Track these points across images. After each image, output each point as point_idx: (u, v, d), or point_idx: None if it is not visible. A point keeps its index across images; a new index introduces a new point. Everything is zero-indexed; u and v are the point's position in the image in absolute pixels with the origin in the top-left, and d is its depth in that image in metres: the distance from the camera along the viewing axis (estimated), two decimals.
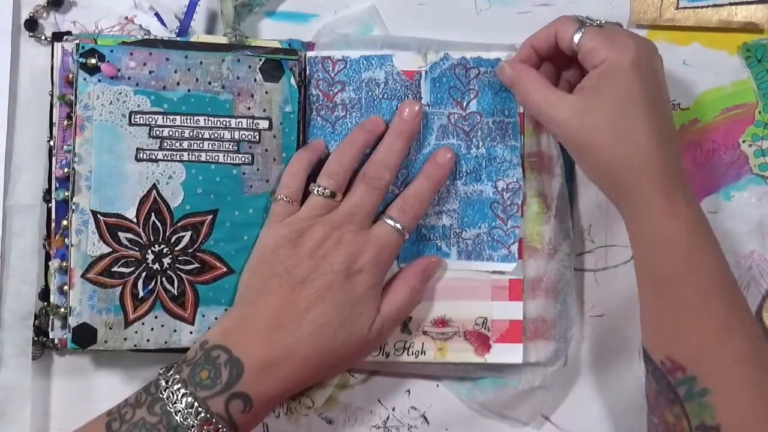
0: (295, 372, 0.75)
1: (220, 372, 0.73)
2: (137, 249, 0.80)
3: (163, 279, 0.81)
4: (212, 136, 0.81)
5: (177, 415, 0.72)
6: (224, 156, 0.81)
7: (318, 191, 0.80)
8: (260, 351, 0.74)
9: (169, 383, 0.73)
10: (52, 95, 0.83)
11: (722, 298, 0.73)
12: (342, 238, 0.78)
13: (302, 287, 0.76)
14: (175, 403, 0.72)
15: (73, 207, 0.80)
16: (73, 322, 0.80)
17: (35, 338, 0.84)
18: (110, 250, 0.80)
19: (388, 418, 0.88)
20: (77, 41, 0.82)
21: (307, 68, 0.85)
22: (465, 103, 0.85)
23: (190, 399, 0.72)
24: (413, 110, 0.82)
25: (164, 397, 0.73)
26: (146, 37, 0.84)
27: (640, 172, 0.74)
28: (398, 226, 0.80)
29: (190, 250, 0.81)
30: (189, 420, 0.71)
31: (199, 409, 0.71)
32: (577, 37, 0.77)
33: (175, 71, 0.81)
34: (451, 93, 0.84)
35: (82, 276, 0.80)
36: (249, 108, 0.82)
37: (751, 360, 0.71)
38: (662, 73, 0.78)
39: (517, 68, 0.81)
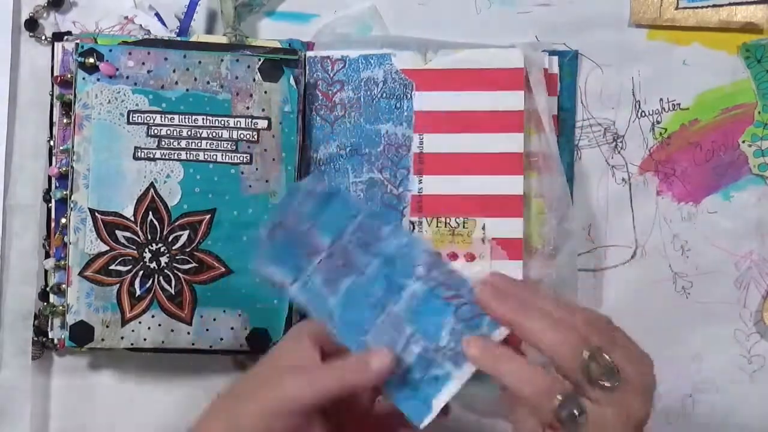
0: None
1: None
2: (134, 247, 0.80)
3: (161, 278, 0.81)
4: (210, 136, 0.81)
5: None
6: (222, 155, 0.81)
7: None
8: None
9: None
10: (52, 95, 0.84)
11: None
12: None
13: None
14: None
15: (72, 205, 0.80)
16: (70, 319, 0.80)
17: (35, 338, 0.84)
18: (108, 248, 0.80)
19: None
20: (77, 41, 0.82)
21: (307, 68, 0.85)
22: None
23: None
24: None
25: None
26: (146, 37, 0.84)
27: None
28: None
29: (188, 250, 0.81)
30: None
31: None
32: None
33: (174, 70, 0.81)
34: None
35: (80, 274, 0.80)
36: (248, 108, 0.82)
37: None
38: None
39: None
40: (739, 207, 0.86)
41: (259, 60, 0.82)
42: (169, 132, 0.81)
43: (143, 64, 0.81)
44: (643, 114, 0.87)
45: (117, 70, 0.81)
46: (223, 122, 0.82)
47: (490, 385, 0.85)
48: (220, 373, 0.87)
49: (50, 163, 0.84)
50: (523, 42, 0.86)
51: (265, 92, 0.82)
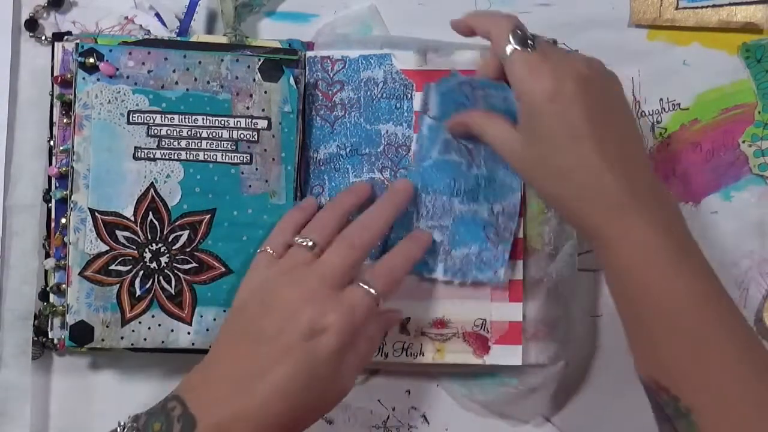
0: None
1: (173, 425, 0.68)
2: (135, 247, 0.80)
3: (161, 278, 0.81)
4: (210, 136, 0.82)
5: None
6: (222, 155, 0.81)
7: (299, 242, 0.76)
8: (215, 411, 0.68)
9: (125, 431, 0.69)
10: (52, 95, 0.84)
11: (693, 315, 0.69)
12: (312, 296, 0.72)
13: (265, 346, 0.70)
14: None
15: (72, 205, 0.80)
16: (70, 319, 0.80)
17: (35, 338, 0.85)
18: (108, 248, 0.80)
19: (388, 418, 0.88)
20: (77, 41, 0.82)
21: (307, 68, 0.85)
22: None
23: None
24: (407, 186, 0.82)
25: None
26: (146, 37, 0.85)
27: (580, 205, 0.72)
28: (372, 290, 0.73)
29: (188, 250, 0.81)
30: None
31: None
32: (504, 59, 0.74)
33: (174, 70, 0.81)
34: (458, 109, 0.82)
35: (80, 274, 0.80)
36: (248, 108, 0.82)
37: (735, 375, 0.67)
38: (600, 92, 0.73)
39: (469, 115, 0.80)
40: (739, 207, 0.86)
41: (259, 60, 0.82)
42: (169, 132, 0.81)
43: (143, 64, 0.81)
44: (643, 114, 0.87)
45: (117, 70, 0.81)
46: (223, 122, 0.82)
47: (498, 381, 0.86)
48: None
49: (50, 163, 0.84)
50: None
51: (265, 92, 0.82)
